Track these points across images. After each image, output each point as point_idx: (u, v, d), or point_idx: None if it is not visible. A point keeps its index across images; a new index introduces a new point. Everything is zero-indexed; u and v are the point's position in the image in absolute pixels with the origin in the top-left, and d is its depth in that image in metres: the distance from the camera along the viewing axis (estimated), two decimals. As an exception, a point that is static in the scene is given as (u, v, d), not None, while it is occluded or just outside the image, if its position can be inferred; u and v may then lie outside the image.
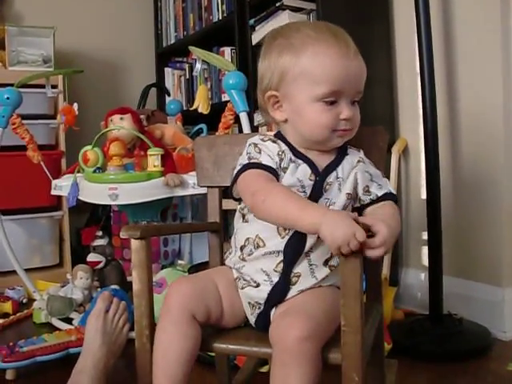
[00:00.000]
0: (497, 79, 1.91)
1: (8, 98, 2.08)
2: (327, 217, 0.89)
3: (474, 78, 1.99)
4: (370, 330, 1.08)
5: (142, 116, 2.38)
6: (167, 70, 3.39)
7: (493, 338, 1.86)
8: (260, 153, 1.05)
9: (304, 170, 1.05)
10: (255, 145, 1.07)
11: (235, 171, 1.07)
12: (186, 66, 3.26)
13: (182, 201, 2.77)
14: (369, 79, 2.14)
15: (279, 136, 1.10)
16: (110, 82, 3.40)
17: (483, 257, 2.00)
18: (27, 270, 2.50)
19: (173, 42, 3.28)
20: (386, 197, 1.10)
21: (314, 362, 0.92)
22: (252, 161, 1.05)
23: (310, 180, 1.05)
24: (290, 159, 1.06)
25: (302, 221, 0.92)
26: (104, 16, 3.38)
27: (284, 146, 1.07)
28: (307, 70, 1.01)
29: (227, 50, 2.76)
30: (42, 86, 2.41)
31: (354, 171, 1.08)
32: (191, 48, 2.17)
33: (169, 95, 3.25)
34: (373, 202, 1.09)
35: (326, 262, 1.05)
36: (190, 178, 2.07)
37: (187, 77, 3.25)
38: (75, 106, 2.20)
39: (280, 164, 1.05)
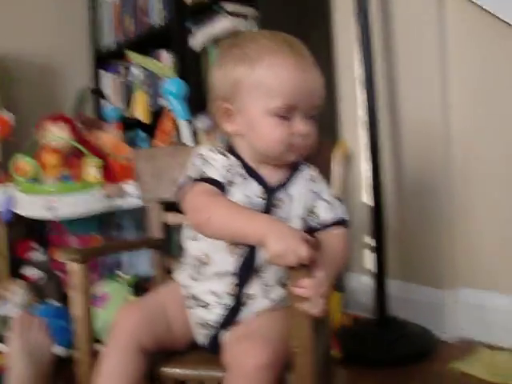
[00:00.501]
0: (437, 85, 1.95)
1: None
2: (273, 227, 0.87)
3: (414, 85, 2.02)
4: (321, 347, 1.07)
5: (79, 124, 2.29)
6: (105, 74, 3.29)
7: (436, 339, 1.90)
8: (206, 165, 1.01)
9: (253, 187, 1.02)
10: (201, 156, 1.03)
11: (179, 183, 1.03)
12: (124, 70, 3.17)
13: (124, 214, 2.69)
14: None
15: (229, 148, 1.06)
16: (43, 86, 3.25)
17: (425, 260, 2.03)
18: (-42, 287, 2.37)
19: (110, 44, 3.18)
20: (336, 223, 1.06)
21: None
22: (197, 174, 1.01)
23: (260, 198, 1.01)
24: (239, 174, 1.02)
25: (248, 232, 0.89)
26: (34, 15, 3.23)
27: (233, 160, 1.03)
28: (262, 81, 0.97)
29: (164, 54, 2.69)
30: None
31: (303, 192, 1.06)
32: (129, 53, 2.12)
33: (105, 99, 3.15)
34: (323, 228, 1.06)
35: (279, 281, 1.01)
36: (130, 186, 2.02)
37: (124, 81, 3.16)
38: (10, 116, 2.08)
39: (226, 177, 1.01)
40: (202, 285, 1.03)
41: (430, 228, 2.01)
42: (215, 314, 1.02)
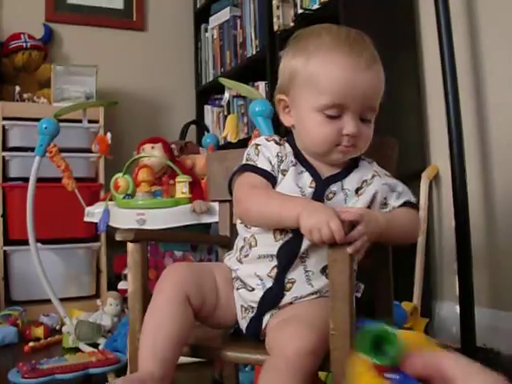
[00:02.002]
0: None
1: (46, 128, 2.17)
2: (307, 206, 0.88)
3: (503, 105, 1.95)
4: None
5: (173, 146, 2.43)
6: (206, 108, 3.48)
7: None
8: (258, 155, 1.04)
9: (305, 177, 1.03)
10: (256, 146, 1.06)
11: (231, 172, 1.06)
12: (224, 103, 3.33)
13: (216, 232, 2.77)
14: (397, 106, 2.15)
15: (288, 139, 1.08)
16: (151, 119, 3.50)
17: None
18: (64, 300, 2.53)
19: (211, 79, 3.37)
20: (405, 205, 1.06)
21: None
22: (248, 162, 1.04)
23: (310, 188, 1.01)
24: (292, 163, 1.03)
25: (284, 214, 0.91)
26: (146, 56, 3.52)
27: (289, 149, 1.05)
28: (313, 76, 0.97)
29: (261, 85, 2.81)
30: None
31: (372, 189, 1.04)
32: (221, 79, 2.22)
33: (208, 131, 3.31)
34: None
35: (323, 270, 1.00)
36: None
37: (225, 113, 3.32)
38: (108, 135, 2.27)
39: (279, 166, 1.02)
40: (247, 267, 1.04)
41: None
42: (258, 296, 1.02)
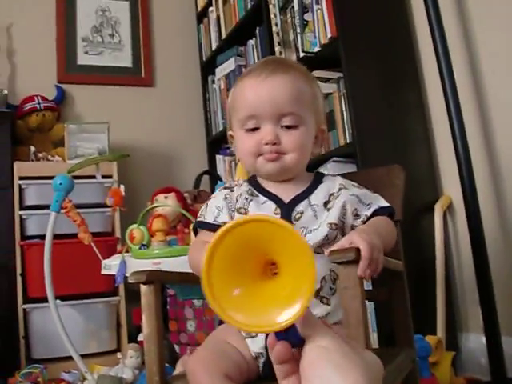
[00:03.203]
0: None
1: (61, 184, 2.21)
2: None
3: (510, 131, 1.95)
4: (393, 372, 1.02)
5: (186, 195, 2.45)
6: (218, 157, 3.52)
7: None
8: (206, 209, 1.10)
9: (268, 206, 1.05)
10: (207, 201, 1.12)
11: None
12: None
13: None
14: (405, 140, 2.16)
15: (251, 177, 1.13)
16: (164, 170, 3.55)
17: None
18: (84, 356, 2.52)
19: (221, 129, 3.42)
20: (377, 213, 1.06)
21: None
22: (198, 219, 1.11)
23: (276, 214, 1.03)
24: (250, 198, 1.06)
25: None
26: (156, 110, 3.60)
27: (245, 188, 1.08)
28: (233, 101, 1.06)
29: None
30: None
31: (340, 200, 1.05)
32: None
33: (220, 180, 3.34)
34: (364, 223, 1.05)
35: (316, 294, 0.99)
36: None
37: (237, 161, 3.35)
38: (122, 187, 2.30)
39: (231, 207, 1.06)
40: None
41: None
42: (261, 340, 0.99)
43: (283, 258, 0.57)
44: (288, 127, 1.02)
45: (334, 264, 0.88)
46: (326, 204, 1.05)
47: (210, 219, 1.07)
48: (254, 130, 1.02)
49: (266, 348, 0.99)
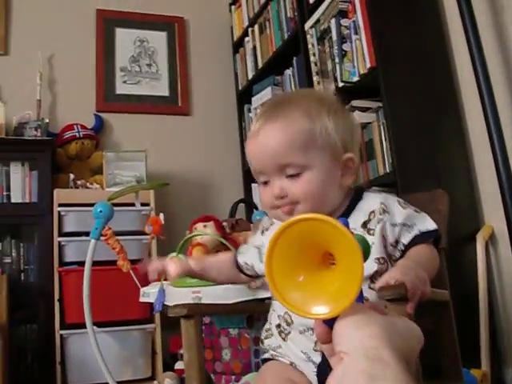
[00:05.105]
0: None
1: (101, 212, 2.24)
2: None
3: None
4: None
5: (224, 223, 2.45)
6: (254, 186, 3.53)
7: None
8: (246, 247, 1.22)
9: None
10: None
11: None
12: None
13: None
14: (446, 169, 2.14)
15: None
16: (200, 199, 3.57)
17: None
18: (120, 383, 2.52)
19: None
20: (416, 241, 0.99)
21: None
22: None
23: None
24: None
25: None
26: (193, 138, 3.64)
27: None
28: (246, 154, 1.05)
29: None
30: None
31: (379, 225, 0.99)
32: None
33: (256, 209, 3.34)
34: (404, 253, 0.99)
35: None
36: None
37: (272, 189, 3.35)
38: (161, 216, 2.32)
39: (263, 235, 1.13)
40: (291, 345, 1.01)
41: None
42: (310, 372, 0.98)
43: (339, 252, 0.60)
44: (292, 176, 0.97)
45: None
46: (365, 224, 1.00)
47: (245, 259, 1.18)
48: (266, 183, 1.00)
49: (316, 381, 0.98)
